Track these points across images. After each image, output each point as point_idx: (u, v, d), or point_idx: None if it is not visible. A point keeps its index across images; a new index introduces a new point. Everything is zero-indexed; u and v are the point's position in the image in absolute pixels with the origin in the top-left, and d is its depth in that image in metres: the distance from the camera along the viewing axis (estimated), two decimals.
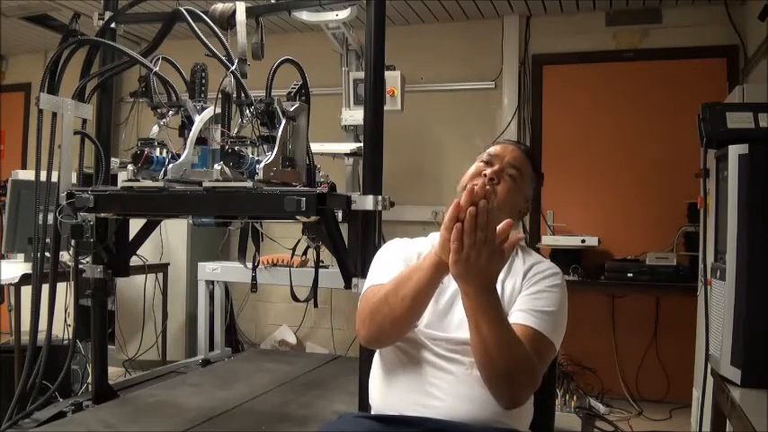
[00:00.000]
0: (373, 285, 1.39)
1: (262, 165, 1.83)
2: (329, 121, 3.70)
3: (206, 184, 1.85)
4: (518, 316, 1.31)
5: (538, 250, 3.70)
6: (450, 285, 1.39)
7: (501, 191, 1.44)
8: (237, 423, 2.15)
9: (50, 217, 2.18)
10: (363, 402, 1.69)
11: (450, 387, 1.28)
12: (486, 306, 1.18)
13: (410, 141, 4.27)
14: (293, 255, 2.84)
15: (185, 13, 2.05)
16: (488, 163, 1.48)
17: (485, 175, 1.44)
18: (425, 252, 1.43)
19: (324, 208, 1.82)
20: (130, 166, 1.93)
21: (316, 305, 2.73)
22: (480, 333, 1.19)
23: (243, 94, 1.94)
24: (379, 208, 2.00)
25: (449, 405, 1.27)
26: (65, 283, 2.60)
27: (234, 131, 1.96)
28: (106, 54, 2.39)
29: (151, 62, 2.10)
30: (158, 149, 1.97)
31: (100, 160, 2.33)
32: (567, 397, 3.21)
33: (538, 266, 1.41)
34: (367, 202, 1.99)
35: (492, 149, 1.52)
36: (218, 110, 2.01)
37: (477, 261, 1.13)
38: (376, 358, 1.44)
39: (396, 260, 1.45)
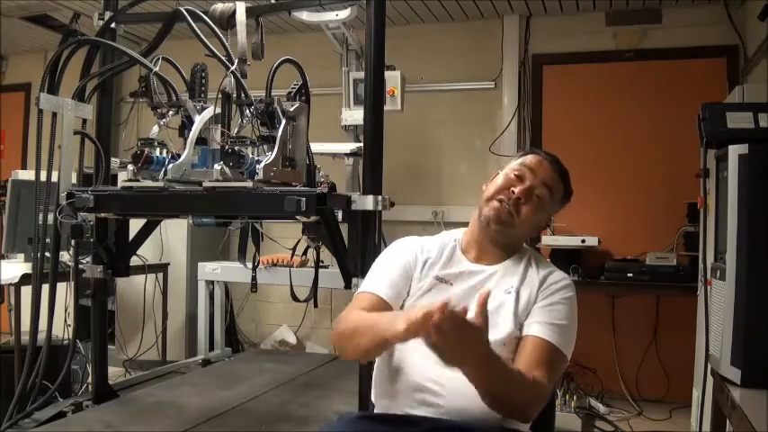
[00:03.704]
0: (363, 292, 1.43)
1: (262, 165, 1.83)
2: (329, 121, 3.70)
3: (206, 184, 1.85)
4: (534, 328, 1.34)
5: (538, 250, 3.71)
6: (455, 283, 1.42)
7: (525, 212, 1.43)
8: (237, 423, 2.15)
9: (50, 217, 2.18)
10: (363, 402, 1.69)
11: (454, 385, 1.29)
12: (486, 372, 1.17)
13: (410, 141, 4.27)
14: (293, 255, 2.84)
15: (185, 13, 2.05)
16: (520, 177, 1.45)
17: (513, 192, 1.42)
18: (434, 255, 1.47)
19: (324, 208, 1.82)
20: (130, 166, 1.93)
21: (316, 305, 2.73)
22: (485, 389, 1.20)
23: (243, 94, 1.94)
24: (379, 208, 2.00)
25: (452, 403, 1.28)
26: (65, 283, 2.59)
27: (234, 131, 1.96)
28: (106, 54, 2.39)
29: (151, 62, 2.10)
30: (158, 149, 1.97)
31: (100, 160, 2.33)
32: (567, 397, 3.21)
33: (552, 277, 1.42)
34: (367, 202, 1.99)
35: (527, 161, 1.48)
36: (218, 110, 2.01)
37: (458, 346, 1.08)
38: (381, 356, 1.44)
39: (394, 267, 1.46)
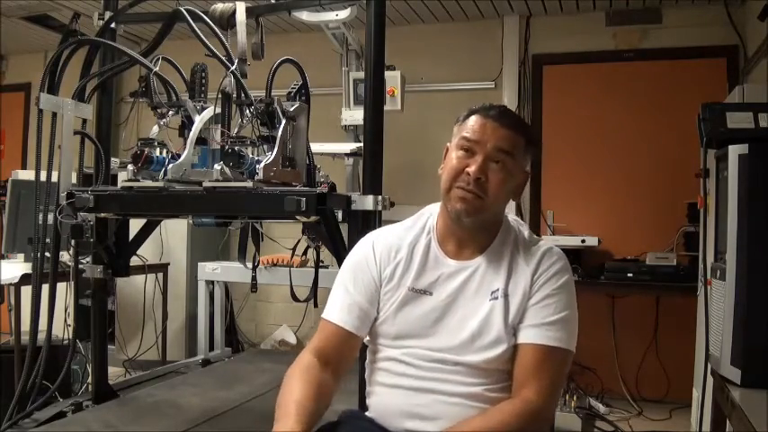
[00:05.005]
0: (326, 320, 1.34)
1: (262, 165, 1.83)
2: (329, 121, 3.70)
3: (206, 184, 1.85)
4: (530, 334, 1.24)
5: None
6: (435, 291, 1.31)
7: (492, 188, 1.26)
8: (237, 423, 2.15)
9: (50, 217, 2.18)
10: (363, 402, 1.69)
11: (443, 409, 1.25)
12: None
13: (410, 141, 4.27)
14: (293, 255, 2.83)
15: (185, 13, 2.05)
16: (469, 151, 1.28)
17: (468, 174, 1.26)
18: (404, 258, 1.34)
19: (324, 208, 1.82)
20: (130, 166, 1.93)
21: (316, 305, 2.72)
22: None
23: (243, 94, 1.94)
24: (379, 208, 2.00)
25: (442, 426, 1.23)
26: (65, 283, 2.59)
27: (234, 131, 1.96)
28: (106, 54, 2.39)
29: (151, 62, 2.10)
30: (158, 149, 1.97)
31: (100, 160, 2.33)
32: (567, 397, 3.21)
33: (543, 263, 1.29)
34: (367, 202, 1.99)
35: (469, 129, 1.30)
36: (218, 110, 2.01)
37: None
38: (368, 367, 1.40)
39: (354, 286, 1.35)
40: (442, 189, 1.32)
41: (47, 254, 2.24)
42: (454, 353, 1.26)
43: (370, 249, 1.38)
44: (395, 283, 1.33)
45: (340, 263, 2.03)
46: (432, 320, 1.30)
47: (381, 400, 1.33)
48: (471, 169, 1.26)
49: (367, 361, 1.41)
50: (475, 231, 1.33)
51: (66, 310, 2.86)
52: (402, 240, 1.37)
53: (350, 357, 1.36)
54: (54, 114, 2.21)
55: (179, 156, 1.94)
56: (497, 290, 1.28)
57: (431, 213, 1.41)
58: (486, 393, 1.25)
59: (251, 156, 1.88)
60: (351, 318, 1.32)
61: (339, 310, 1.34)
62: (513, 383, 1.25)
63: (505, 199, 1.33)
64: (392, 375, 1.32)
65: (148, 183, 1.93)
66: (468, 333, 1.27)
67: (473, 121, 1.31)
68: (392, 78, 3.44)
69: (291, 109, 1.98)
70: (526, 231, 1.37)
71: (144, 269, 3.56)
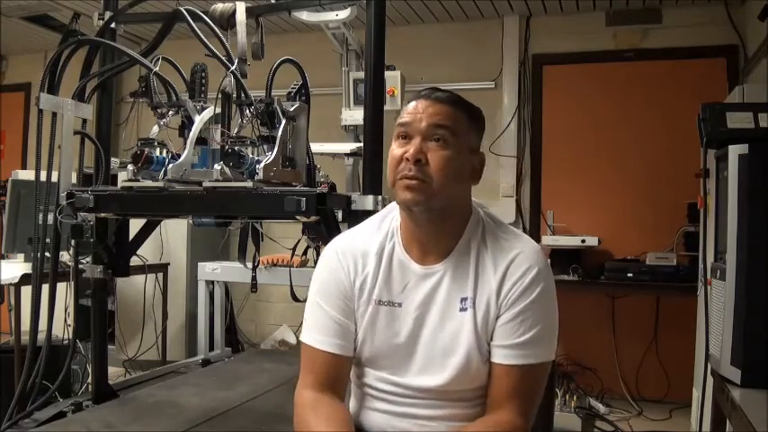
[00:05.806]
0: (311, 347, 1.25)
1: (262, 165, 1.83)
2: (329, 121, 3.70)
3: (206, 184, 1.85)
4: (501, 355, 1.17)
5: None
6: (404, 302, 1.24)
7: (433, 169, 1.15)
8: (237, 423, 2.15)
9: (50, 217, 2.18)
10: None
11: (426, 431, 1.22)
12: None
13: None
14: (293, 255, 2.83)
15: (185, 13, 2.04)
16: (406, 136, 1.19)
17: (407, 160, 1.16)
18: (371, 269, 1.24)
19: (324, 208, 1.81)
20: (130, 166, 1.92)
21: None
22: None
23: (243, 94, 1.94)
24: (379, 208, 1.99)
25: None
26: (65, 283, 2.59)
27: (234, 131, 1.96)
28: (106, 54, 2.39)
29: (151, 62, 2.10)
30: (158, 149, 1.96)
31: (100, 160, 2.33)
32: (567, 397, 3.21)
33: (513, 272, 1.18)
34: (367, 202, 1.98)
35: (403, 115, 1.21)
36: (218, 110, 2.01)
37: None
38: (351, 383, 1.35)
39: (329, 304, 1.25)
40: (389, 185, 1.23)
41: (47, 254, 2.24)
42: (427, 379, 1.21)
43: (336, 261, 1.27)
44: (365, 297, 1.24)
45: None
46: (403, 340, 1.23)
47: (365, 419, 1.31)
48: (409, 153, 1.16)
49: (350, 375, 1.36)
50: (435, 229, 1.22)
51: (66, 310, 2.86)
52: (368, 248, 1.27)
53: (346, 375, 1.29)
54: (54, 114, 2.21)
55: (179, 156, 1.94)
56: (466, 298, 1.20)
57: (394, 214, 1.31)
58: (466, 412, 1.22)
59: (251, 156, 1.88)
60: (334, 339, 1.23)
61: (319, 331, 1.25)
62: (490, 402, 1.19)
63: (454, 181, 1.18)
64: (371, 399, 1.28)
65: (148, 183, 1.92)
66: (439, 354, 1.21)
67: (407, 107, 1.22)
68: (392, 78, 3.44)
69: (291, 109, 1.97)
70: (499, 226, 1.26)
71: (144, 269, 3.56)
